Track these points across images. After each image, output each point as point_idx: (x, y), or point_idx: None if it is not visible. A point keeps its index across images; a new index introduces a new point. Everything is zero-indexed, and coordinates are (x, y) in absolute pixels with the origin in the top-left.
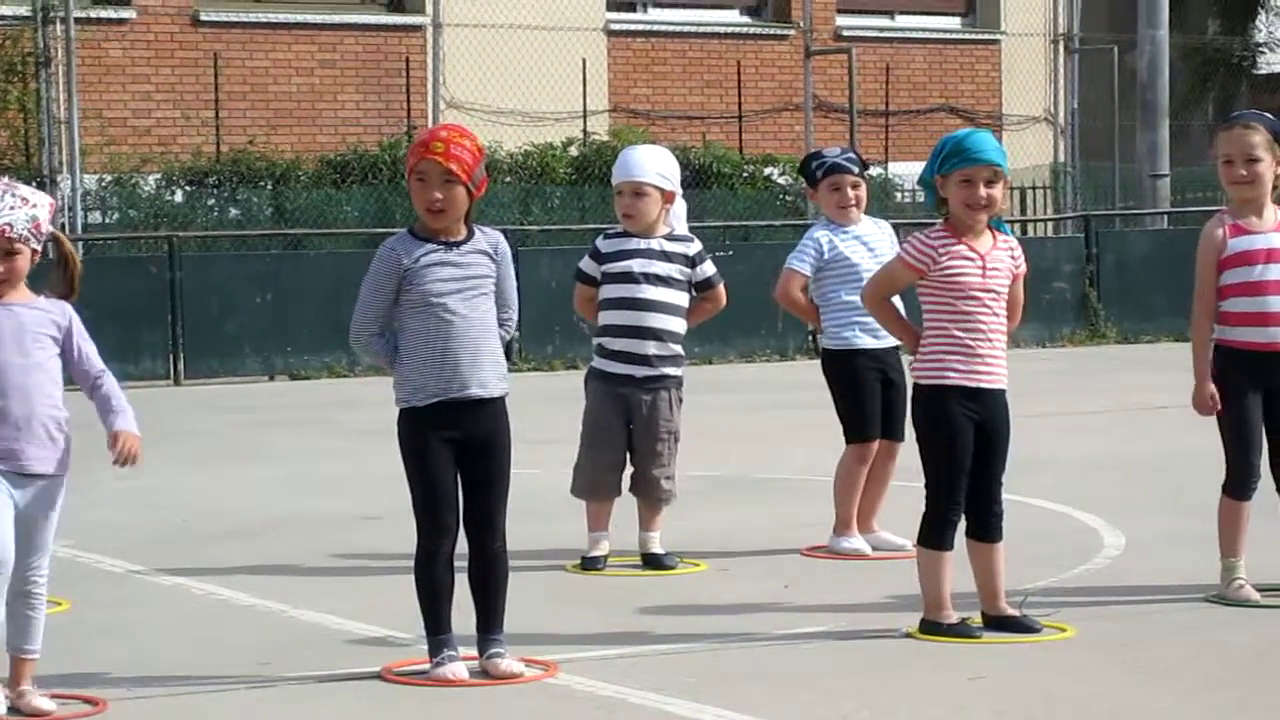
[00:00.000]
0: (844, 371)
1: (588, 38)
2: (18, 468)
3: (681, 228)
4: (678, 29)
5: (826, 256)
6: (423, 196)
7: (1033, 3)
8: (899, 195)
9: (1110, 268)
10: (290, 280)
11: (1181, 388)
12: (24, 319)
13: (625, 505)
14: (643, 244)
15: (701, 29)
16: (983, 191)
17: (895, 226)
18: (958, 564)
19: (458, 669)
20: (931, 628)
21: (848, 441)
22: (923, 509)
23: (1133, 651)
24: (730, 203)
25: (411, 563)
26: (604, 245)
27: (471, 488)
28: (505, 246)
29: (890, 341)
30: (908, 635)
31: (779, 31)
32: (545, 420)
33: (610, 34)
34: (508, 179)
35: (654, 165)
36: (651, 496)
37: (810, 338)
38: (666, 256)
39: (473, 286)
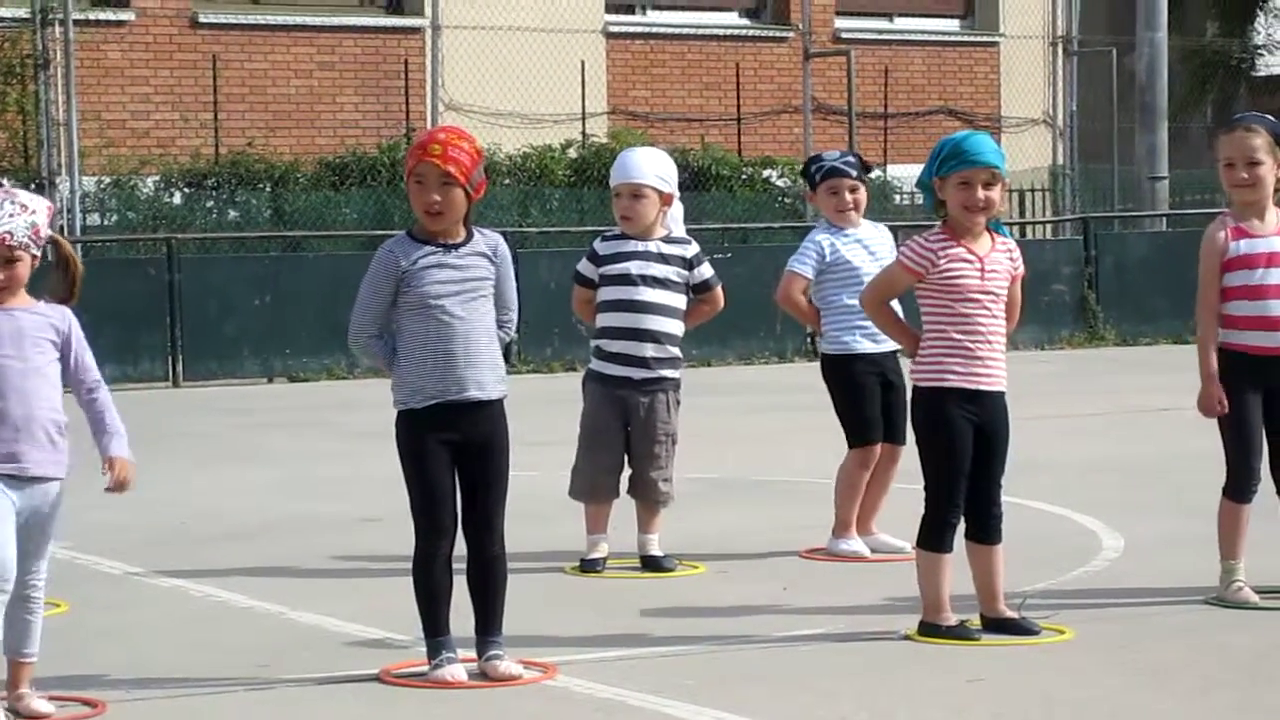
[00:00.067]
0: (843, 376)
1: (586, 40)
2: (18, 470)
3: (679, 230)
4: (676, 31)
5: (828, 260)
6: (421, 199)
7: (1031, 5)
8: (898, 197)
9: (1109, 270)
10: (289, 282)
11: (1181, 390)
12: (23, 323)
13: (624, 507)
14: (640, 246)
15: (700, 31)
16: (981, 194)
17: (894, 229)
18: (957, 566)
19: (456, 671)
20: (930, 630)
21: (850, 446)
22: (922, 511)
23: (1132, 654)
24: (729, 205)
25: (410, 565)
26: (601, 247)
27: (470, 490)
28: (505, 248)
29: (890, 346)
30: (906, 637)
31: (778, 34)
32: (544, 422)
33: (609, 36)
34: (506, 181)
35: (652, 167)
36: (649, 499)
37: (809, 340)
38: (664, 259)
39: (471, 289)
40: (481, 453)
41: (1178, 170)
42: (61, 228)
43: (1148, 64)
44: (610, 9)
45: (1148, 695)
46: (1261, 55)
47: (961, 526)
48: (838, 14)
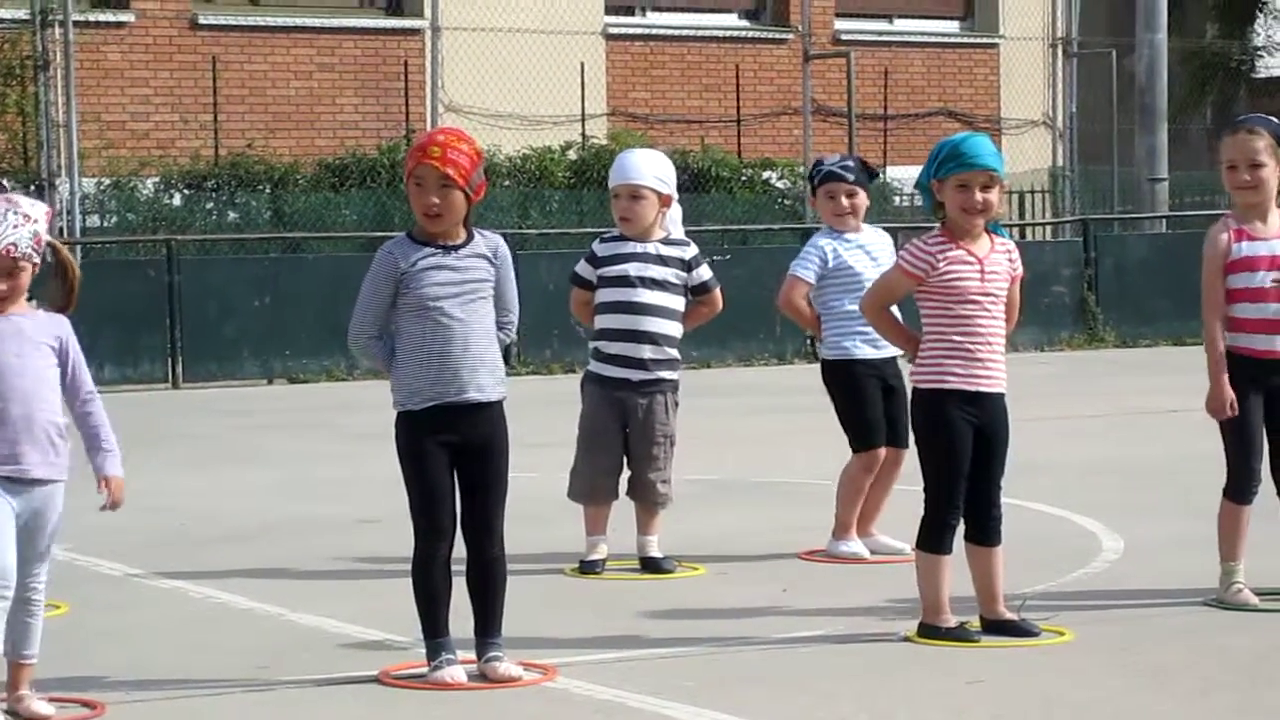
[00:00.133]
0: (844, 381)
1: (586, 41)
2: (18, 472)
3: (678, 231)
4: (676, 33)
5: (830, 265)
6: (420, 201)
7: (1031, 6)
8: (897, 199)
9: (1109, 272)
10: (289, 284)
11: (1180, 391)
12: (23, 326)
13: (623, 509)
14: (639, 248)
15: (700, 33)
16: (979, 196)
17: (894, 230)
18: (956, 568)
19: (455, 672)
20: (930, 631)
21: (854, 450)
22: (921, 513)
23: (1132, 655)
24: (728, 207)
25: (409, 566)
26: (600, 249)
27: (469, 492)
28: (505, 250)
29: (890, 351)
30: (906, 639)
31: (777, 35)
32: (543, 424)
33: (609, 38)
34: (506, 183)
35: (651, 169)
36: (648, 500)
37: (809, 342)
38: (663, 260)
39: (470, 290)
40: (481, 454)
41: (1177, 172)
42: (61, 230)
43: (1147, 65)
44: (610, 11)
45: (1147, 697)
46: (1261, 57)
47: (961, 528)
48: (837, 15)
